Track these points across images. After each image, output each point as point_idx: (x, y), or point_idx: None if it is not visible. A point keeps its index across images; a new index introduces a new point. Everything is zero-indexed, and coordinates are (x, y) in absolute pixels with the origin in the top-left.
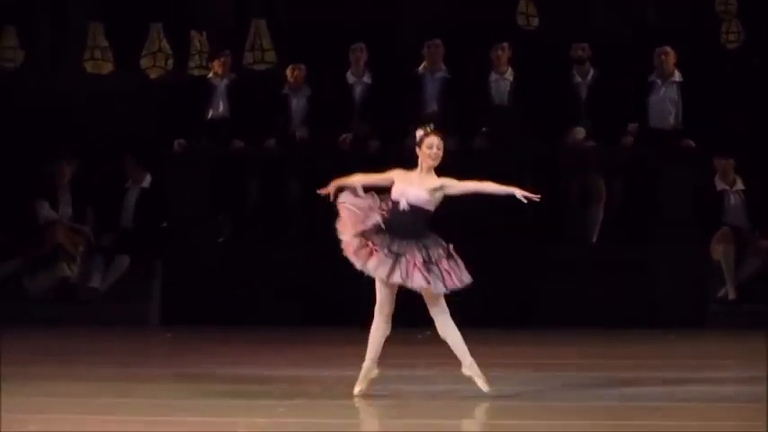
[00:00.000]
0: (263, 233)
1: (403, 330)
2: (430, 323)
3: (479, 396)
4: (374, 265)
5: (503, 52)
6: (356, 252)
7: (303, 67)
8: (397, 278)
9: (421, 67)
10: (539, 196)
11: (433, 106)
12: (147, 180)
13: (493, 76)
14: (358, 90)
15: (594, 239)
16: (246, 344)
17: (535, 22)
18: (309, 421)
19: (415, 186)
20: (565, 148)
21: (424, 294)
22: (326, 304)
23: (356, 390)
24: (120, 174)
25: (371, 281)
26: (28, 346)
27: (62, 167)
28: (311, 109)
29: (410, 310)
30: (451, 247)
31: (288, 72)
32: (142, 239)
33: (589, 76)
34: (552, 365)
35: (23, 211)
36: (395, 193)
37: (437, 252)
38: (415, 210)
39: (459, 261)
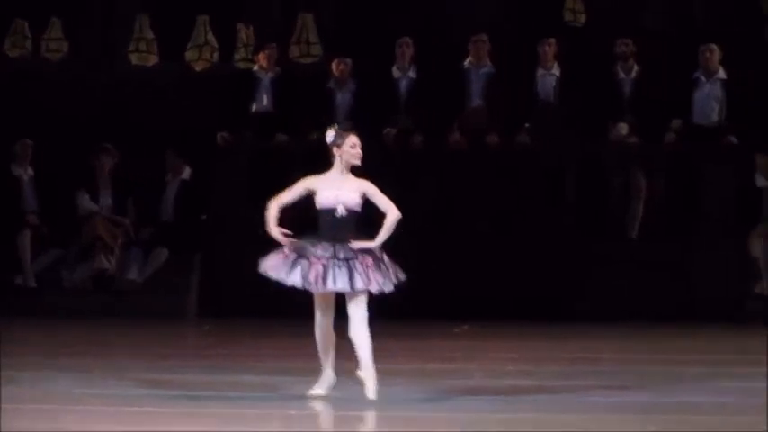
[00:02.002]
0: (303, 226)
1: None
2: (465, 317)
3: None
4: (332, 281)
5: (549, 48)
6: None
7: (349, 61)
8: (360, 286)
9: (466, 62)
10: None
11: (477, 101)
12: (186, 173)
13: (539, 72)
14: (403, 84)
15: (635, 235)
16: (283, 336)
17: (582, 18)
18: (345, 414)
19: (346, 190)
20: (608, 144)
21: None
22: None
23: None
24: (161, 166)
25: (414, 275)
26: (64, 337)
27: (103, 159)
28: (356, 103)
29: (447, 303)
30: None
31: (333, 66)
32: (181, 232)
33: (633, 73)
34: (588, 360)
35: (64, 202)
36: (327, 200)
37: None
38: (351, 214)
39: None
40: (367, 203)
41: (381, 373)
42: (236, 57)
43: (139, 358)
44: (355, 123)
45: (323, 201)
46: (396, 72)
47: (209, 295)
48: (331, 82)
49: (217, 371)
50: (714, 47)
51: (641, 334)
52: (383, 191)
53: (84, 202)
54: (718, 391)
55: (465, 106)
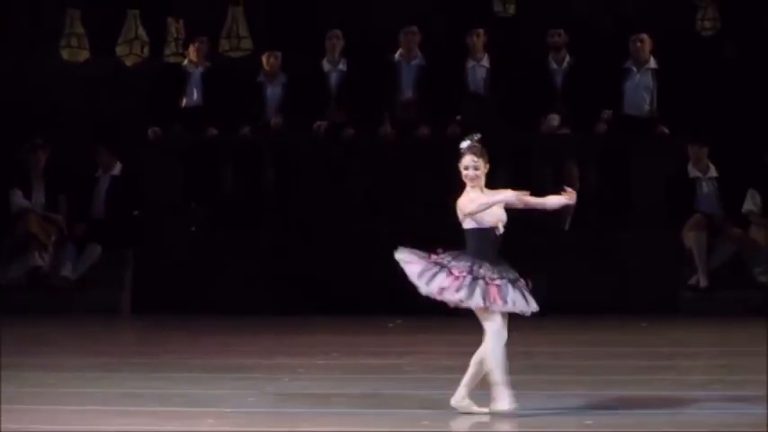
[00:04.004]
0: (237, 221)
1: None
2: (399, 312)
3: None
4: (511, 302)
5: (478, 38)
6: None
7: (279, 54)
8: (535, 307)
9: (397, 54)
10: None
11: (408, 93)
12: (117, 168)
13: (469, 63)
14: (333, 77)
15: (567, 226)
16: (218, 333)
17: (512, 8)
18: (280, 411)
19: (496, 208)
20: (539, 135)
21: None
22: (300, 292)
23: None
24: (91, 162)
25: (347, 270)
26: None
27: (36, 156)
28: (286, 96)
29: (381, 297)
30: None
31: (263, 59)
32: (113, 228)
33: (565, 63)
34: (523, 354)
35: None
36: (490, 219)
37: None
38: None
39: None
40: None
41: (319, 369)
42: (167, 51)
43: (75, 356)
44: (286, 117)
45: (486, 220)
46: (326, 65)
47: (143, 291)
48: (261, 75)
49: (151, 368)
50: (645, 36)
51: (575, 326)
52: (315, 183)
53: (18, 199)
54: (656, 385)
55: (396, 98)
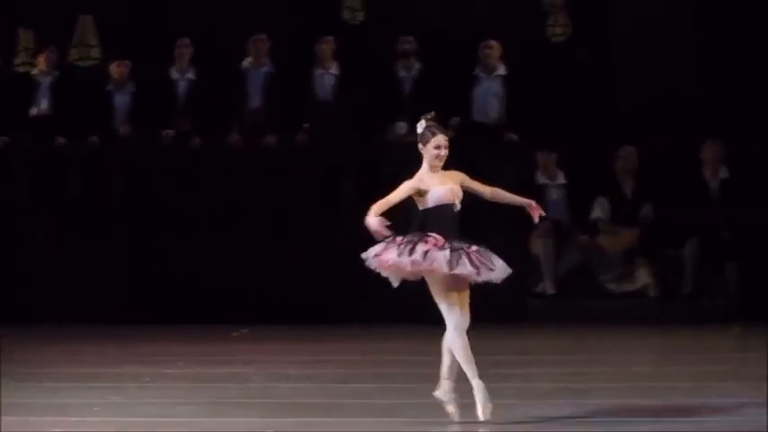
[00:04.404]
0: (84, 230)
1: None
2: (245, 320)
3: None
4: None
5: (327, 46)
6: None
7: (128, 63)
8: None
9: (245, 62)
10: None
11: (256, 101)
12: None
13: (318, 71)
14: (182, 86)
15: None
16: (65, 342)
17: (360, 16)
18: (123, 420)
19: (453, 184)
20: (386, 143)
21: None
22: (146, 301)
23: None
24: None
25: (193, 279)
26: None
27: None
28: (135, 105)
29: (226, 306)
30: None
31: (112, 68)
32: None
33: (414, 70)
34: (370, 362)
35: None
36: (444, 196)
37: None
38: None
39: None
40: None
41: (166, 378)
42: (17, 61)
43: None
44: (135, 125)
45: (440, 197)
46: (174, 74)
47: None
48: (110, 84)
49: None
50: (494, 43)
51: (424, 334)
52: (163, 193)
53: None
54: (502, 394)
55: (244, 106)
